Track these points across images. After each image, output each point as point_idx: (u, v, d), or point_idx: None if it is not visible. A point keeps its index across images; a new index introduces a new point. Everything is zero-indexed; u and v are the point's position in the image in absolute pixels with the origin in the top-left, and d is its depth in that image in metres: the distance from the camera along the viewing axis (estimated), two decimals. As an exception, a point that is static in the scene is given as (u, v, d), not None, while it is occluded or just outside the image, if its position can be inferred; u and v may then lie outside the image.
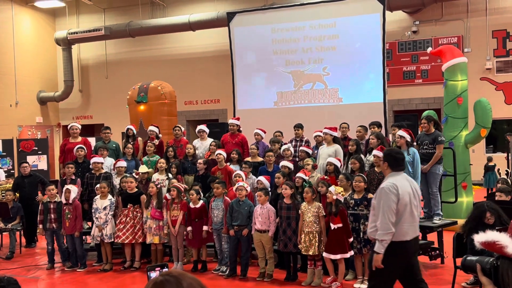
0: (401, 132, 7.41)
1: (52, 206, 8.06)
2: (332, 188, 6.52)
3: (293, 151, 8.62)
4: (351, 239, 6.50)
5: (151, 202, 7.82)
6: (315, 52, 12.70)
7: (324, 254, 6.54)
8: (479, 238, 2.67)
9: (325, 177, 7.34)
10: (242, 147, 9.32)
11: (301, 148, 8.54)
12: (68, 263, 8.13)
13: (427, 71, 17.49)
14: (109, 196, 7.94)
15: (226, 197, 7.60)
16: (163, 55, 20.95)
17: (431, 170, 7.75)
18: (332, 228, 6.47)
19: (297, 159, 8.57)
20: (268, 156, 8.25)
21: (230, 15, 13.68)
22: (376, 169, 7.01)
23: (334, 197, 6.45)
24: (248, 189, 7.42)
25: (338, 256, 6.40)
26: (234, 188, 7.46)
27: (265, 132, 9.54)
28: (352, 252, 6.51)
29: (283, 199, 6.97)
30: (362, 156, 7.84)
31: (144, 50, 21.19)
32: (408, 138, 7.34)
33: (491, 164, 14.33)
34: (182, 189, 7.86)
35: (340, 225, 6.43)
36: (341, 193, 6.56)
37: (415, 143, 7.83)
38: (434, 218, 7.80)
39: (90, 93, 22.46)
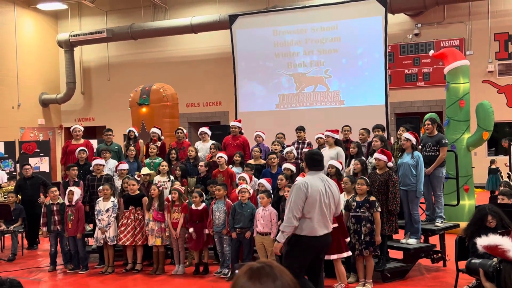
0: (407, 135, 7.41)
1: (55, 208, 8.06)
2: None
3: (295, 154, 8.63)
4: (348, 239, 6.49)
5: (153, 204, 7.82)
6: (317, 54, 12.71)
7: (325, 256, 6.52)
8: (482, 241, 2.67)
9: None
10: (243, 149, 9.33)
11: (304, 150, 8.54)
12: (70, 265, 8.13)
13: (429, 74, 17.49)
14: (112, 198, 7.95)
15: (228, 200, 7.60)
16: (165, 57, 20.98)
17: (434, 173, 7.74)
18: (329, 228, 6.47)
19: (299, 161, 8.57)
20: (271, 158, 8.25)
21: (232, 18, 13.70)
22: (377, 171, 7.01)
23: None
24: (251, 191, 7.42)
25: (334, 256, 6.39)
26: (237, 190, 7.46)
27: (264, 134, 9.55)
28: (349, 252, 6.48)
29: (285, 202, 6.95)
30: (364, 158, 7.84)
31: (146, 53, 21.22)
32: (414, 141, 7.34)
33: (493, 166, 14.31)
34: (183, 192, 7.86)
35: (336, 225, 6.43)
36: None
37: (419, 147, 7.82)
38: (436, 221, 7.79)
39: (92, 95, 22.50)
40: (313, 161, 5.10)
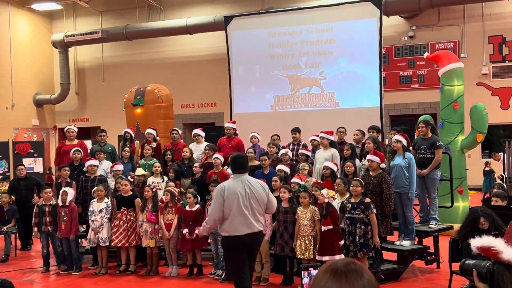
0: (397, 137, 7.43)
1: (47, 209, 8.03)
2: (324, 191, 6.52)
3: (291, 155, 8.63)
4: (342, 242, 6.49)
5: (147, 205, 7.80)
6: (312, 56, 12.73)
7: (317, 257, 6.53)
8: (475, 242, 2.68)
9: (318, 181, 7.36)
10: (238, 151, 9.31)
11: (300, 151, 8.55)
12: (63, 266, 8.09)
13: (424, 76, 17.54)
14: (106, 199, 7.92)
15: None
16: (160, 58, 20.95)
17: (429, 175, 7.76)
18: (323, 230, 6.48)
19: (295, 162, 8.57)
20: (262, 160, 8.25)
21: (227, 19, 13.70)
22: (370, 173, 7.02)
23: (326, 200, 6.46)
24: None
25: (326, 258, 6.39)
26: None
27: (260, 135, 9.54)
28: (342, 255, 6.48)
29: (281, 203, 6.96)
30: (357, 160, 7.85)
31: (141, 53, 21.18)
32: (404, 142, 7.36)
33: (487, 168, 14.39)
34: (176, 194, 7.84)
35: (330, 227, 6.44)
36: (333, 196, 6.57)
37: (411, 148, 7.84)
38: (430, 222, 7.80)
39: (86, 96, 22.43)
40: (236, 164, 5.30)
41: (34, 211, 8.20)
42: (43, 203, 8.14)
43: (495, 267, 2.52)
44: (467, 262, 2.68)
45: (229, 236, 5.19)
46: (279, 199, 7.05)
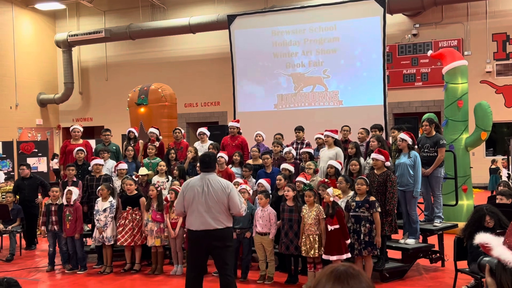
0: (403, 135, 7.41)
1: (53, 208, 8.05)
2: (330, 190, 6.52)
3: (294, 154, 8.62)
4: (348, 241, 6.49)
5: (152, 204, 7.81)
6: (315, 54, 12.70)
7: (323, 256, 6.53)
8: (476, 240, 2.73)
9: (325, 180, 7.35)
10: (242, 149, 9.33)
11: (303, 149, 8.53)
12: (68, 265, 8.11)
13: (427, 74, 17.51)
14: (110, 198, 7.94)
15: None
16: (164, 57, 20.97)
17: (433, 173, 7.75)
18: (329, 230, 6.47)
19: (298, 161, 8.57)
20: (265, 158, 8.25)
21: (231, 18, 13.69)
22: (375, 171, 7.01)
23: (331, 199, 6.46)
24: (251, 192, 7.42)
25: (334, 257, 6.40)
26: (236, 191, 7.44)
27: (264, 134, 9.55)
28: (349, 254, 6.49)
29: (286, 202, 6.96)
30: (362, 159, 7.84)
31: (145, 53, 21.21)
32: (409, 141, 7.35)
33: (493, 166, 14.36)
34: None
35: (337, 226, 6.43)
36: (339, 195, 6.57)
37: (416, 147, 7.82)
38: (435, 221, 7.79)
39: (90, 95, 22.48)
40: (202, 163, 5.54)
41: (42, 210, 8.21)
42: (50, 202, 8.16)
43: (497, 264, 2.53)
44: (485, 258, 2.71)
45: (188, 229, 5.56)
46: (283, 198, 7.06)
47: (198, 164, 8.59)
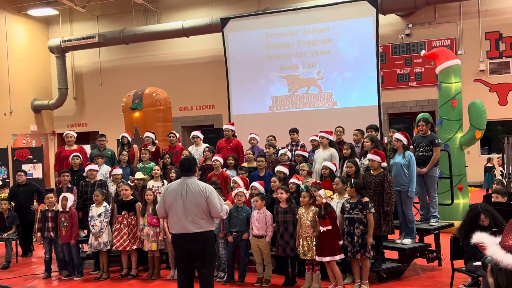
0: (398, 135, 7.42)
1: (50, 215, 8.01)
2: (321, 192, 6.52)
3: (290, 156, 8.62)
4: (341, 242, 6.49)
5: (147, 209, 7.80)
6: (309, 56, 12.73)
7: (316, 258, 6.53)
8: (474, 239, 2.74)
9: (317, 181, 7.36)
10: (237, 152, 9.33)
11: (297, 152, 8.53)
12: (65, 271, 8.08)
13: (421, 74, 17.57)
14: (104, 204, 7.91)
15: (223, 203, 7.57)
16: (157, 61, 20.96)
17: (428, 172, 7.75)
18: (322, 231, 6.47)
19: (293, 163, 8.57)
20: (259, 161, 8.24)
21: (224, 21, 13.71)
22: (372, 172, 7.01)
23: (324, 200, 6.46)
24: (247, 195, 7.41)
25: (327, 259, 6.39)
26: (233, 194, 7.43)
27: (258, 137, 9.54)
28: (342, 255, 6.48)
29: (279, 204, 6.96)
30: (357, 159, 7.84)
31: (138, 57, 21.19)
32: (405, 141, 7.35)
33: (489, 165, 14.40)
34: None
35: (329, 227, 6.42)
36: (330, 196, 6.57)
37: (411, 146, 7.83)
38: (431, 220, 7.80)
39: (84, 100, 22.44)
40: (182, 167, 5.53)
41: (38, 216, 8.18)
42: (46, 208, 8.13)
43: (495, 264, 2.54)
44: (488, 258, 2.72)
45: (170, 232, 5.62)
46: (277, 200, 7.06)
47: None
